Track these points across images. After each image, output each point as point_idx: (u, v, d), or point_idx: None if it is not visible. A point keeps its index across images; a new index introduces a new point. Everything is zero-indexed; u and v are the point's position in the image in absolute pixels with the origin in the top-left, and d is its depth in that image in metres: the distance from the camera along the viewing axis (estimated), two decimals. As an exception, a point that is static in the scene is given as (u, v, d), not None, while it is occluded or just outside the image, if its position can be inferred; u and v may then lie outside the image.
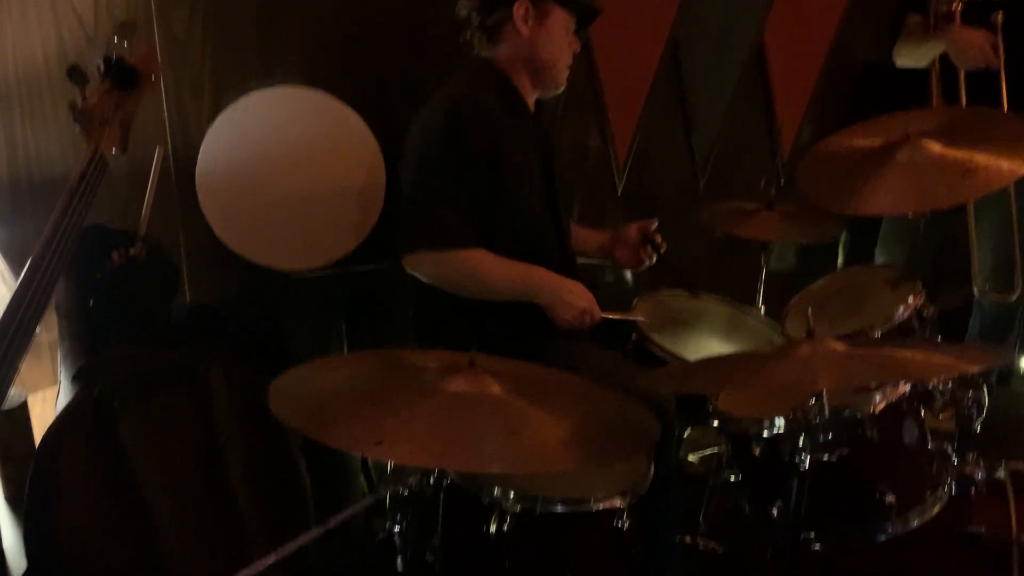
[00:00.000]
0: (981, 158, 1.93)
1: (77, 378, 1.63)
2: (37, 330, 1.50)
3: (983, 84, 2.74)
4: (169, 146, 2.19)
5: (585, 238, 2.35)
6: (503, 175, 1.97)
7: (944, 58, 2.83)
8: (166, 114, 2.19)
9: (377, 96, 2.39)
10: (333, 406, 1.33)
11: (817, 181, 2.16)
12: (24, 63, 2.02)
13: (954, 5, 2.80)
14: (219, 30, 2.21)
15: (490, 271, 1.95)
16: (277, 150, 2.19)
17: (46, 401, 2.07)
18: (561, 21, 2.05)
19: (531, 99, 2.12)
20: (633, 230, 2.25)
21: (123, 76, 1.66)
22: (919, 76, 2.94)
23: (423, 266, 1.96)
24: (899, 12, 3.02)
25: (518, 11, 2.01)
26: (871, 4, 3.14)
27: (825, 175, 2.15)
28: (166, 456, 1.60)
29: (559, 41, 2.06)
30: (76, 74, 1.61)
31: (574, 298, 1.96)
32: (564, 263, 2.15)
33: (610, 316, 2.02)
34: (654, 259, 2.24)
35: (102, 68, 1.66)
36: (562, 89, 2.13)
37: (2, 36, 1.98)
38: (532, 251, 2.06)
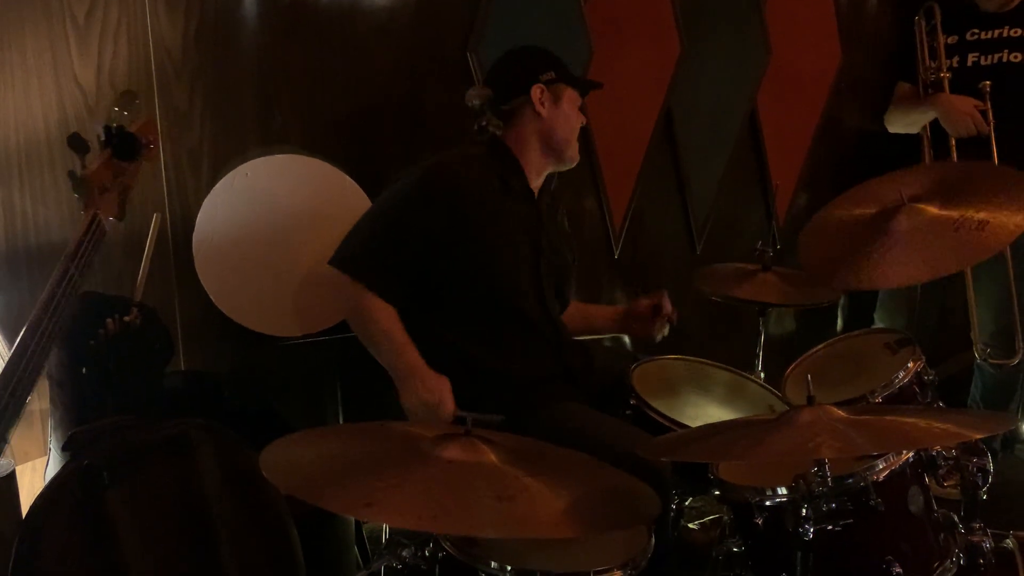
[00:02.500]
0: (984, 215, 1.91)
1: (67, 448, 1.60)
2: (28, 399, 1.48)
3: (974, 148, 2.77)
4: (167, 214, 2.20)
5: (595, 315, 2.37)
6: (473, 245, 2.00)
7: (935, 123, 2.87)
8: (164, 183, 2.21)
9: (374, 164, 2.42)
10: (325, 471, 1.30)
11: (820, 262, 2.14)
12: (25, 132, 2.04)
13: (942, 73, 2.85)
14: (219, 102, 2.25)
15: (377, 324, 1.96)
16: (274, 217, 2.20)
17: (35, 471, 2.04)
18: (571, 100, 2.12)
19: (537, 179, 2.15)
20: (643, 305, 2.27)
21: (123, 145, 1.67)
22: (911, 140, 2.98)
23: (336, 283, 2.00)
24: (888, 80, 3.07)
25: (535, 95, 2.08)
26: (860, 72, 3.20)
27: (828, 254, 2.11)
28: (154, 529, 1.56)
29: (572, 120, 2.13)
30: (77, 142, 1.60)
31: (421, 390, 1.92)
32: (551, 344, 2.14)
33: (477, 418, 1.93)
34: (667, 331, 2.27)
35: (102, 136, 1.66)
36: (577, 162, 2.18)
37: (4, 105, 2.01)
38: (513, 322, 2.07)
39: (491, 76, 2.18)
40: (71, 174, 1.61)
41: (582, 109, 2.18)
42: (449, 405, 1.91)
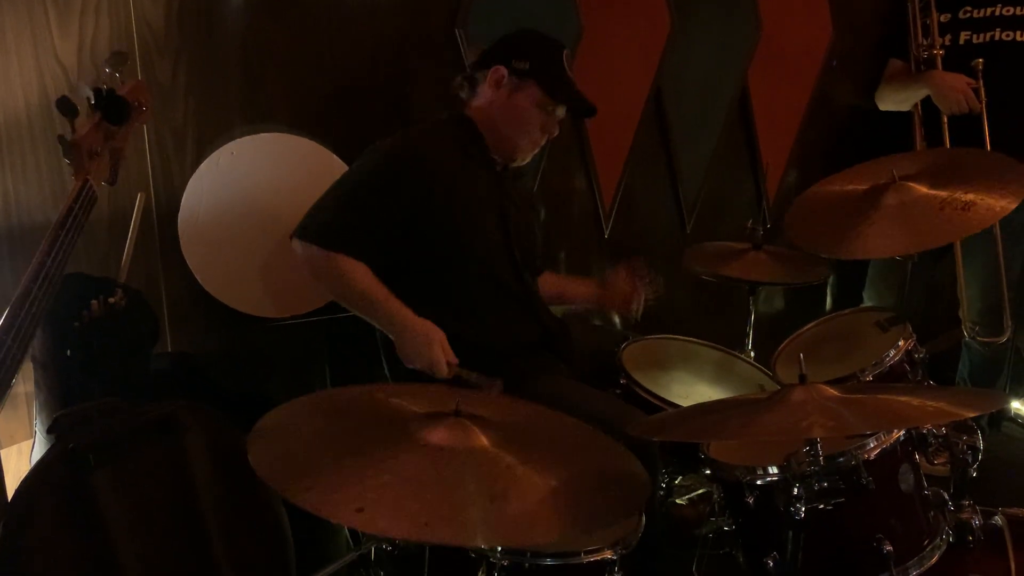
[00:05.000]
0: (968, 196, 1.95)
1: (52, 431, 1.58)
2: (16, 376, 1.44)
3: (966, 126, 2.77)
4: (151, 193, 2.17)
5: (573, 288, 2.35)
6: (439, 216, 1.99)
7: (927, 100, 2.86)
8: (149, 161, 2.18)
9: (361, 144, 2.38)
10: (314, 461, 1.28)
11: (806, 229, 2.17)
12: (6, 110, 2.01)
13: (935, 50, 2.84)
14: (203, 79, 2.21)
15: (357, 283, 1.93)
16: (260, 196, 2.18)
17: (21, 454, 2.02)
18: (533, 99, 2.04)
19: (496, 154, 2.13)
20: (620, 274, 2.25)
21: (113, 107, 1.62)
22: (902, 118, 2.97)
23: (305, 255, 1.96)
24: (880, 57, 3.06)
25: (493, 74, 2.05)
26: (852, 49, 3.18)
27: (813, 222, 2.15)
28: (142, 512, 1.55)
29: (524, 118, 2.05)
30: (65, 106, 1.56)
31: (425, 339, 1.90)
32: (526, 308, 2.14)
33: (465, 377, 1.92)
34: (639, 313, 2.24)
35: (92, 99, 1.61)
36: (518, 164, 2.14)
37: (-17, 84, 1.97)
38: (486, 291, 2.06)
39: (493, 42, 2.14)
40: (61, 138, 1.56)
41: (577, 124, 2.13)
42: (441, 358, 1.89)
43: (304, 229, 1.96)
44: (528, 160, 2.15)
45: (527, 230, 2.21)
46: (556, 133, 2.11)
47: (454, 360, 1.91)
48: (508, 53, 2.06)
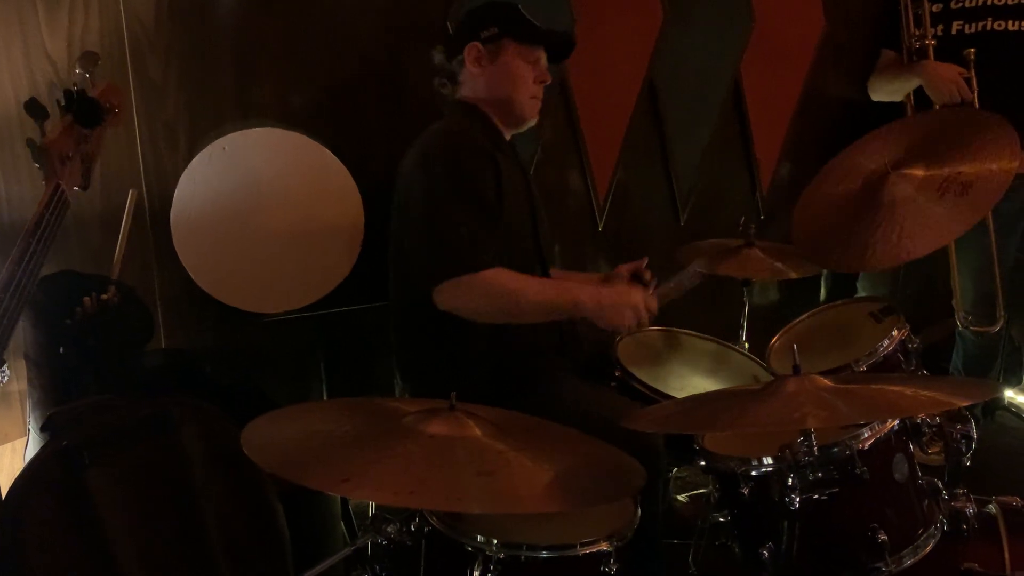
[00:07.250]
0: (968, 168, 1.92)
1: (46, 429, 1.58)
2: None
3: (958, 117, 2.76)
4: (144, 190, 2.17)
5: (576, 281, 2.31)
6: (500, 204, 1.97)
7: (919, 91, 2.87)
8: (140, 158, 2.17)
9: (354, 139, 2.39)
10: (305, 448, 1.29)
11: (819, 245, 2.13)
12: (-4, 106, 2.00)
13: (927, 41, 2.84)
14: (195, 75, 2.20)
15: (522, 288, 1.87)
16: (253, 192, 2.17)
17: (15, 452, 2.02)
18: (516, 55, 2.05)
19: (507, 134, 2.14)
20: (624, 271, 2.23)
21: (85, 110, 1.58)
22: (894, 109, 2.97)
23: (452, 299, 1.86)
24: (872, 48, 3.06)
25: (469, 55, 2.05)
26: (844, 40, 3.18)
27: (823, 236, 2.11)
28: (137, 509, 1.54)
29: (515, 75, 2.06)
30: (35, 108, 1.52)
31: (620, 298, 1.88)
32: None
33: (666, 295, 1.98)
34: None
35: (62, 101, 1.57)
36: (533, 122, 2.13)
37: (-27, 80, 1.96)
38: None
39: (448, 34, 2.15)
40: (30, 143, 1.53)
41: (559, 75, 2.12)
42: (652, 300, 1.92)
43: (434, 277, 1.86)
44: (536, 119, 2.13)
45: (547, 226, 2.20)
46: (549, 79, 2.11)
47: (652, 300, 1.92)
48: (473, 29, 2.06)
